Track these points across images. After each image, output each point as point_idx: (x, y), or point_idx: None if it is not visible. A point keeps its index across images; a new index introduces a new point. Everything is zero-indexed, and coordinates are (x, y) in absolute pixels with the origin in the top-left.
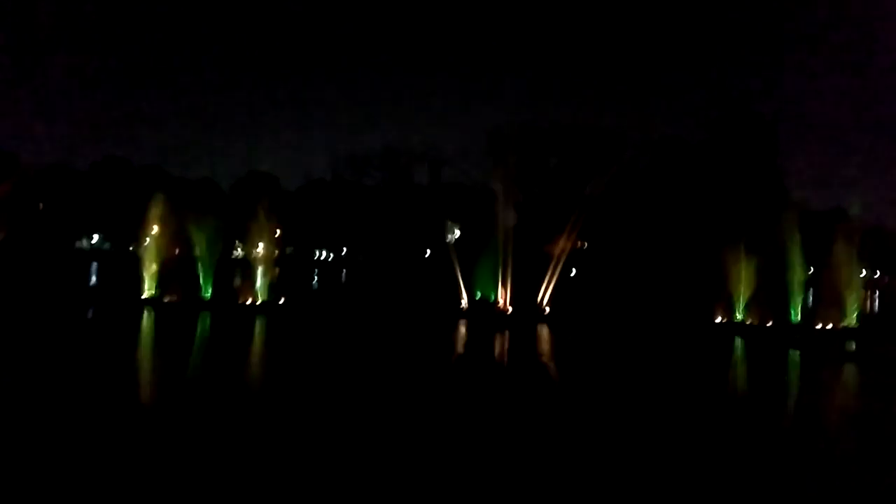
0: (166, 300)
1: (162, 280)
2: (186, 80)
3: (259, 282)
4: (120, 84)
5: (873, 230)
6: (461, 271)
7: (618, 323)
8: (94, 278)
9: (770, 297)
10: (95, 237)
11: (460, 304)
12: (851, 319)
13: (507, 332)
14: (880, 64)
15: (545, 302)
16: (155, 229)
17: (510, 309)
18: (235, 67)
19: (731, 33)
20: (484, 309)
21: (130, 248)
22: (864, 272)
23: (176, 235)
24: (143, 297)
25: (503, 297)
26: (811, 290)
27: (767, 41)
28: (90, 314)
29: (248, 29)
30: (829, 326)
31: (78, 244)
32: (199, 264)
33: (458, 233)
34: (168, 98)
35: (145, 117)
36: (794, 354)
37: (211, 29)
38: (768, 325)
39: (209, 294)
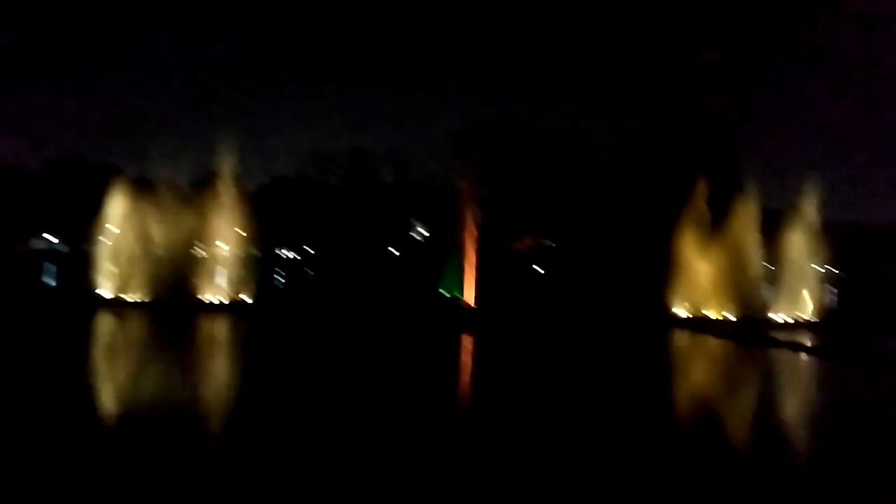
0: (128, 300)
1: (121, 280)
2: (145, 78)
3: (221, 281)
4: (76, 81)
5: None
6: (427, 269)
7: (576, 318)
8: (48, 279)
9: (729, 291)
10: (50, 237)
11: (426, 302)
12: (807, 313)
13: (471, 330)
14: (840, 61)
15: (510, 300)
16: (113, 228)
17: (476, 306)
18: (195, 65)
19: (691, 34)
20: (449, 307)
21: (85, 249)
22: (822, 267)
23: (135, 234)
24: (101, 297)
25: (468, 294)
26: (769, 284)
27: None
28: (47, 317)
29: (207, 25)
30: (785, 320)
31: (32, 244)
32: (160, 263)
33: (424, 232)
34: (127, 96)
35: (103, 116)
36: (743, 347)
37: (168, 25)
38: (725, 318)
39: (169, 294)
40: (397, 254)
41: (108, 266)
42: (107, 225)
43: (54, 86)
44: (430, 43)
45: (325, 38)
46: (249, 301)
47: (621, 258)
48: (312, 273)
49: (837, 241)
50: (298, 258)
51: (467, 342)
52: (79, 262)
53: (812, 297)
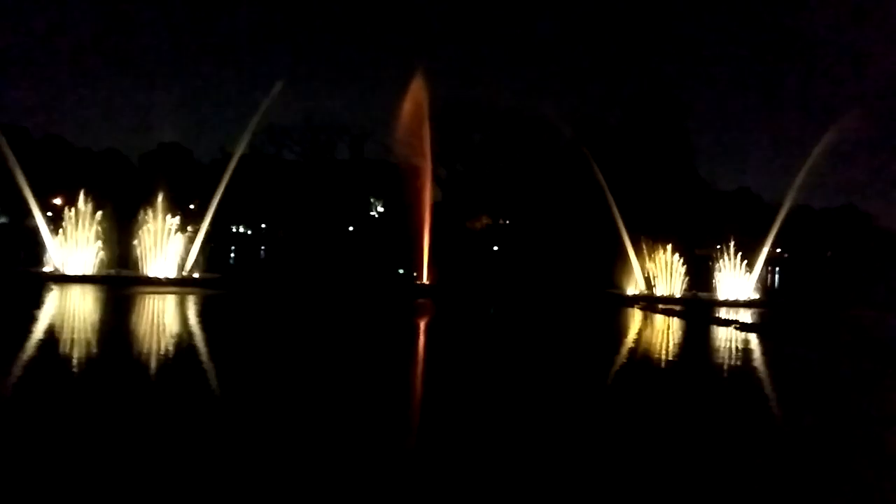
0: (70, 274)
1: (62, 254)
2: (94, 48)
3: (171, 256)
4: (22, 51)
5: (776, 208)
6: (383, 247)
7: (526, 293)
8: None
9: (675, 270)
10: None
11: (382, 279)
12: (749, 292)
13: (424, 308)
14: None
15: (464, 277)
16: (58, 202)
17: (431, 284)
18: (146, 36)
19: (647, 18)
20: (405, 284)
21: (28, 222)
22: (765, 248)
23: (79, 208)
24: (45, 270)
25: (424, 272)
26: (716, 264)
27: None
28: None
29: None
30: (731, 298)
31: None
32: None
33: (381, 209)
34: (73, 67)
35: (47, 86)
36: (682, 322)
37: None
38: (670, 296)
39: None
40: (353, 231)
41: (51, 239)
42: (52, 198)
43: None
44: (387, 18)
45: (281, 9)
46: (197, 276)
47: (573, 237)
48: (266, 249)
49: (783, 223)
50: (252, 232)
51: (421, 319)
52: (19, 236)
53: (754, 278)
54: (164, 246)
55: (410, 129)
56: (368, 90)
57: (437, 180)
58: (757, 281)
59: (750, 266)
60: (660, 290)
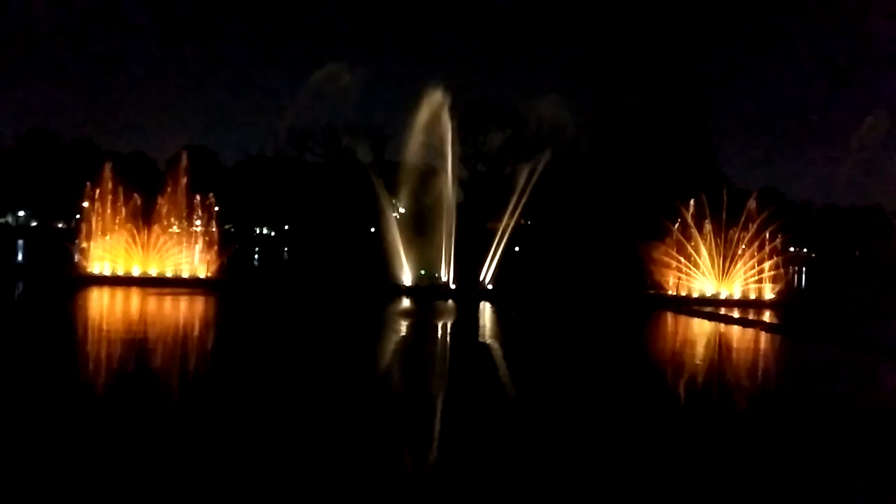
0: (97, 274)
1: (94, 256)
2: (120, 50)
3: (195, 258)
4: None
5: (802, 207)
6: (405, 248)
7: (551, 298)
8: (20, 255)
9: (701, 271)
10: (21, 213)
11: (403, 281)
12: (769, 292)
13: (447, 310)
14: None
15: (488, 279)
16: (87, 205)
17: (453, 286)
18: (172, 39)
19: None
20: (427, 286)
21: (60, 225)
22: (791, 248)
23: (109, 211)
24: (77, 273)
25: (447, 273)
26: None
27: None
28: (19, 289)
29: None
30: (753, 297)
31: (3, 220)
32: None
33: (402, 210)
34: (101, 70)
35: (76, 89)
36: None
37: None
38: (695, 296)
39: (142, 269)
40: (374, 231)
41: (81, 242)
42: (81, 201)
43: (26, 62)
44: (409, 21)
45: (303, 14)
46: (220, 278)
47: (595, 237)
48: (289, 251)
49: (809, 222)
50: (276, 234)
51: (439, 322)
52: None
53: (779, 277)
54: (191, 248)
55: (432, 131)
56: (390, 91)
57: (458, 181)
58: (780, 280)
59: (770, 264)
60: (698, 291)
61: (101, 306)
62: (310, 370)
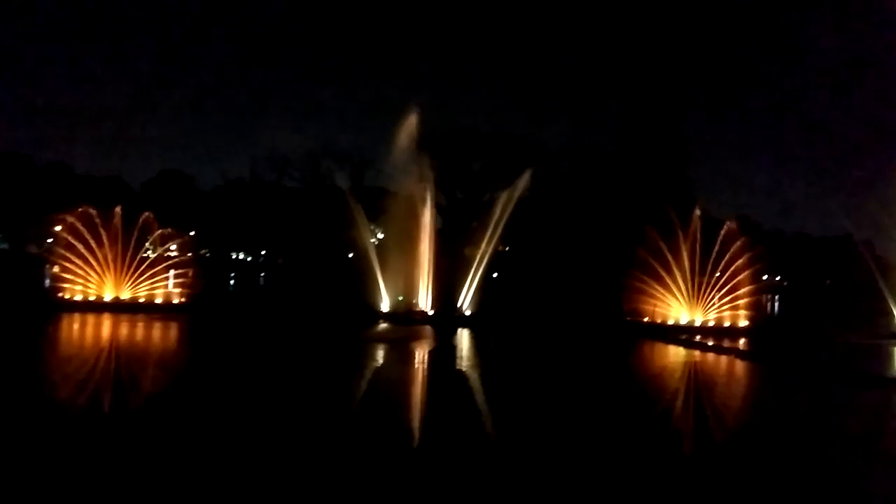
0: (67, 298)
1: (66, 280)
2: (96, 74)
3: (169, 282)
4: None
5: (773, 235)
6: (383, 274)
7: (529, 325)
8: None
9: (675, 298)
10: None
11: (380, 307)
12: (742, 319)
13: (424, 335)
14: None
15: (466, 305)
16: (59, 229)
17: (431, 312)
18: (150, 63)
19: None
20: (405, 312)
21: (32, 249)
22: (764, 276)
23: (82, 234)
24: (48, 298)
25: (424, 300)
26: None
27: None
28: None
29: (162, 22)
30: (726, 325)
31: None
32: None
33: (380, 235)
34: (77, 93)
35: (52, 113)
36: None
37: (121, 21)
38: (670, 323)
39: (117, 295)
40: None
41: (52, 266)
42: (53, 225)
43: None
44: (389, 48)
45: (281, 39)
46: (194, 304)
47: (576, 266)
48: (266, 276)
49: (780, 250)
50: (252, 259)
51: (417, 348)
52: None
53: (751, 305)
54: (165, 273)
55: (410, 157)
56: (369, 118)
57: (437, 207)
58: (754, 309)
59: (747, 294)
60: (673, 319)
61: (70, 337)
62: (277, 401)
